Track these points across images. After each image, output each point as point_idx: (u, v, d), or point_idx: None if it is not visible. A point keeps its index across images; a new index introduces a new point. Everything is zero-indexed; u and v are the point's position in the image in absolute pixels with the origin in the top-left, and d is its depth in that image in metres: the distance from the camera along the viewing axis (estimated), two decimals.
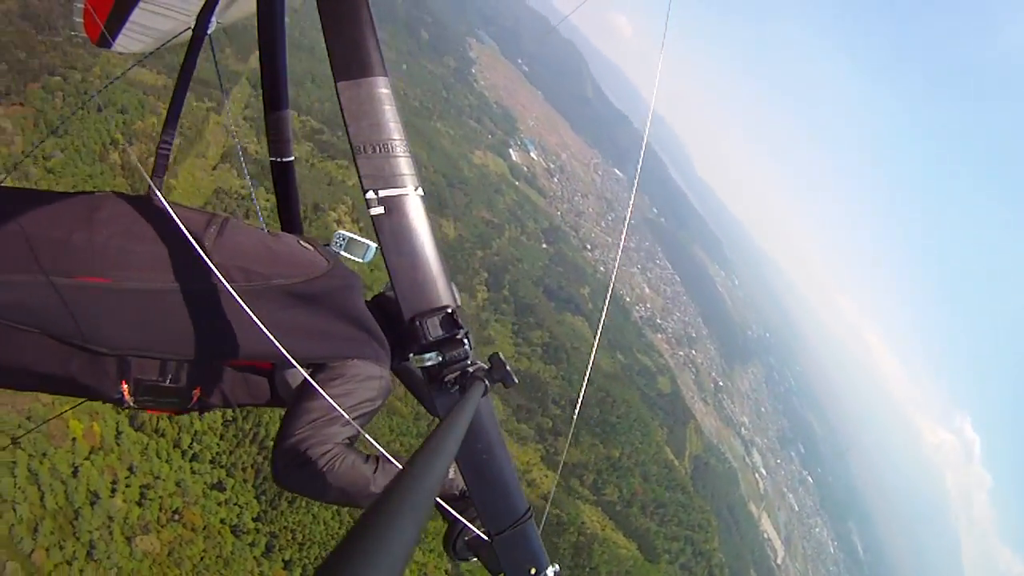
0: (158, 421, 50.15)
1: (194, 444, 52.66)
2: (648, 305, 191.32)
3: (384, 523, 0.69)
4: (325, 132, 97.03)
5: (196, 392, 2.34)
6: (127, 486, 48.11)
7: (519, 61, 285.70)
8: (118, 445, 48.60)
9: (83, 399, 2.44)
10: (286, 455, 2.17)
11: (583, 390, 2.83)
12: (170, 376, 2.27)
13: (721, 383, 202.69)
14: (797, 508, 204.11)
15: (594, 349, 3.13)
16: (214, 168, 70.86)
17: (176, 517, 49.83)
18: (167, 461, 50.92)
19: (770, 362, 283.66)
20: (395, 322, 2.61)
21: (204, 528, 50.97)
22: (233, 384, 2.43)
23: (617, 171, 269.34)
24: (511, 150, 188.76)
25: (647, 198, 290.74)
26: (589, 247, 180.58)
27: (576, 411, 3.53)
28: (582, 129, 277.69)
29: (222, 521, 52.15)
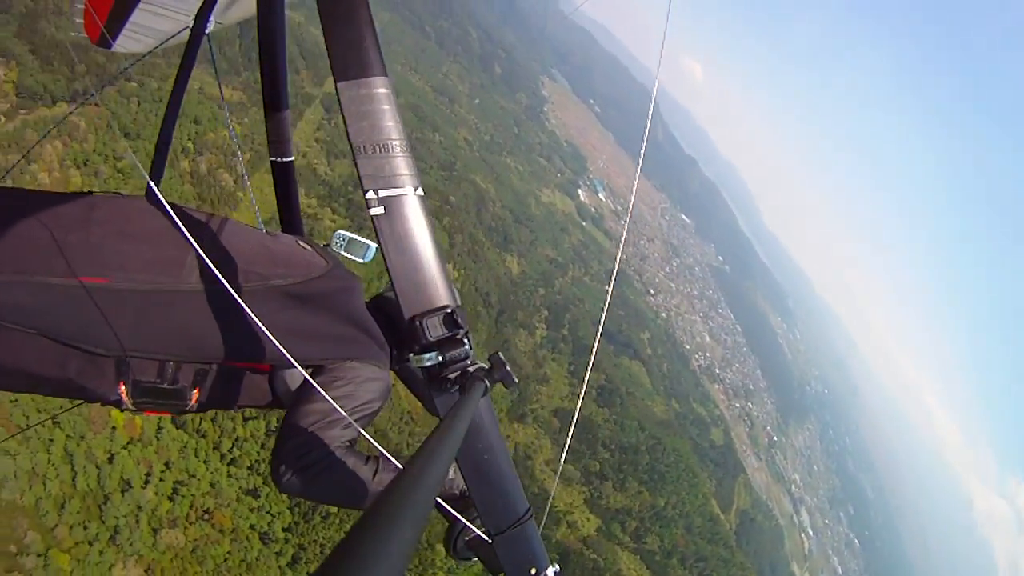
0: (200, 422, 51.13)
1: (234, 449, 53.59)
2: (708, 354, 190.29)
3: (384, 523, 0.69)
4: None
5: (195, 394, 2.33)
6: (161, 480, 49.17)
7: (591, 101, 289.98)
8: (157, 440, 49.67)
9: (80, 401, 2.42)
10: (286, 459, 2.16)
11: (582, 396, 2.77)
12: (168, 377, 2.27)
13: (775, 438, 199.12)
14: (841, 571, 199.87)
15: (595, 342, 2.99)
16: (302, 155, 73.30)
17: (206, 517, 50.67)
18: (204, 462, 51.90)
19: (826, 419, 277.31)
20: (395, 323, 2.63)
21: (232, 531, 51.73)
22: (232, 386, 2.42)
23: (684, 216, 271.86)
24: (579, 190, 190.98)
25: (713, 246, 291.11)
26: (652, 292, 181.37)
27: (575, 416, 3.41)
28: (651, 172, 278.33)
29: (252, 527, 52.82)
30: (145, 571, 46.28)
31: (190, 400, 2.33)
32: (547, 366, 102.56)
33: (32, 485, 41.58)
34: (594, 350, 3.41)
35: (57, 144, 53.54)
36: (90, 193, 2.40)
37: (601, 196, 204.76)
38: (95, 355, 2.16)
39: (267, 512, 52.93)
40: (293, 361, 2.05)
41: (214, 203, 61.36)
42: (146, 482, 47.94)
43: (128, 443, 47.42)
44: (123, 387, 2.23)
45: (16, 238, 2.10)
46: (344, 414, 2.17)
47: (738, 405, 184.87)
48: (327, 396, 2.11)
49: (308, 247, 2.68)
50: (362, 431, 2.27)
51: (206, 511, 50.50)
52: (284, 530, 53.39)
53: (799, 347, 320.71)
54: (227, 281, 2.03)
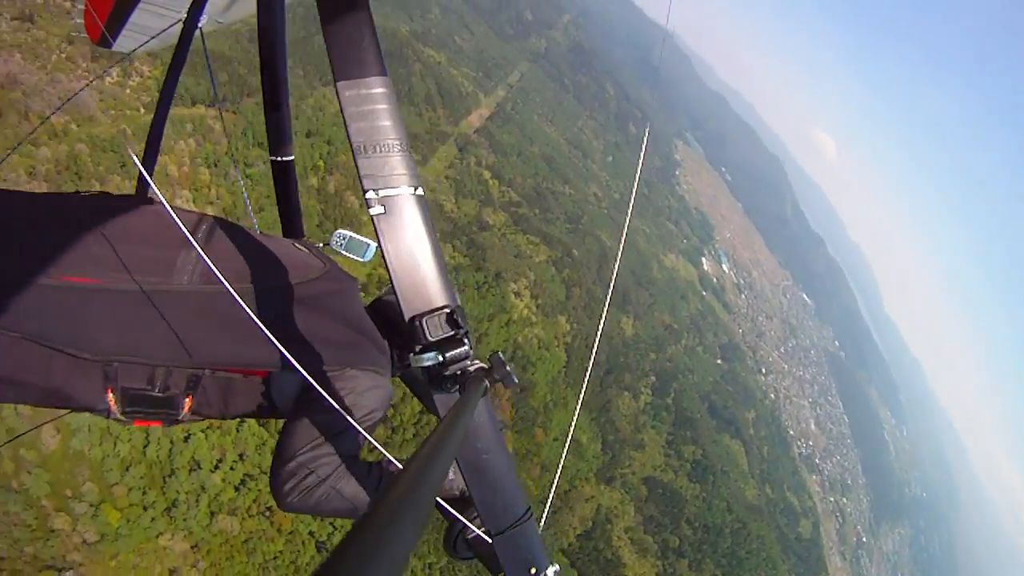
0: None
1: None
2: (811, 443, 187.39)
3: (384, 523, 0.69)
4: (523, 206, 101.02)
5: (187, 402, 2.22)
6: (231, 469, 50.59)
7: (723, 169, 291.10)
8: (237, 432, 51.16)
9: (66, 410, 2.29)
10: (288, 478, 2.11)
11: (575, 416, 2.78)
12: (159, 384, 2.16)
13: (864, 539, 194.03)
14: None
15: (590, 363, 2.99)
16: (431, 190, 76.87)
17: (267, 513, 51.79)
18: None
19: (920, 524, 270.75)
20: (395, 326, 2.59)
21: (290, 533, 52.81)
22: (227, 393, 2.30)
23: (806, 297, 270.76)
24: (704, 258, 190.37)
25: (831, 329, 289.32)
26: (764, 371, 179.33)
27: (570, 431, 3.41)
28: (777, 247, 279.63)
29: (311, 533, 53.82)
30: (192, 547, 47.59)
31: (182, 408, 2.23)
32: (645, 432, 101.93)
33: (103, 442, 43.30)
34: (588, 372, 3.41)
35: (191, 142, 56.44)
36: (77, 192, 2.36)
37: (725, 267, 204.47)
38: (82, 360, 2.06)
39: (330, 523, 53.27)
40: (297, 365, 1.96)
41: (337, 222, 62.72)
42: (216, 467, 49.47)
43: (207, 427, 48.61)
44: (111, 394, 2.13)
45: (3, 237, 2.03)
46: (354, 423, 2.10)
47: (832, 499, 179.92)
48: (334, 403, 2.01)
49: (304, 248, 2.61)
50: (369, 436, 2.21)
51: (268, 508, 51.48)
52: None
53: (904, 445, 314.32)
54: (220, 283, 1.97)
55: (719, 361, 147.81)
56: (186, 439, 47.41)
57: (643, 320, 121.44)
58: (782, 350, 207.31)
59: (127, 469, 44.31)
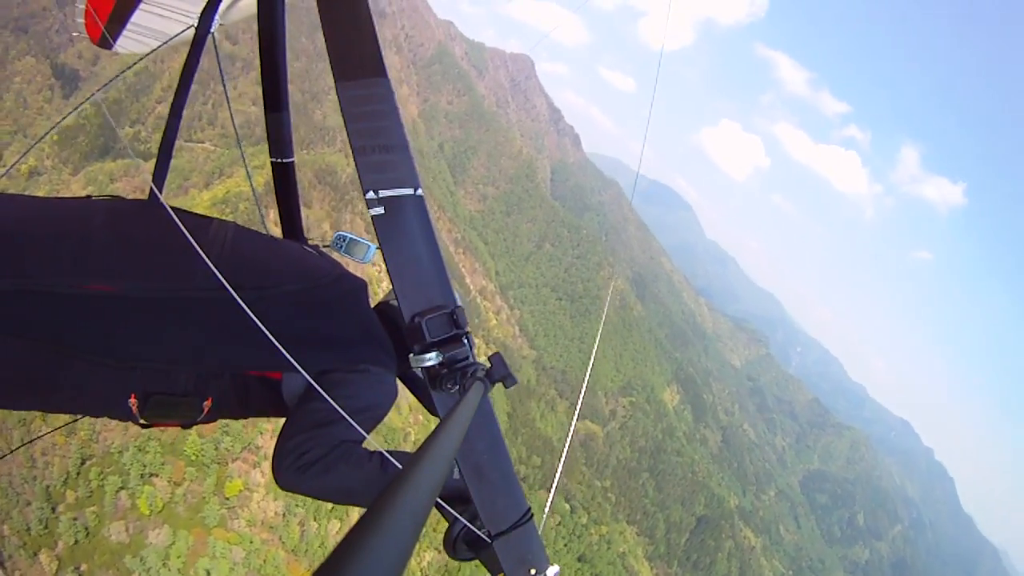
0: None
1: None
2: None
3: (384, 523, 0.69)
4: None
5: (206, 404, 2.28)
6: None
7: None
8: None
9: (84, 415, 2.36)
10: (288, 457, 2.13)
11: (574, 423, 2.78)
12: (180, 388, 2.21)
13: None
14: None
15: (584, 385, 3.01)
16: None
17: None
18: None
19: None
20: (398, 328, 2.57)
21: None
22: (243, 394, 2.38)
23: None
24: None
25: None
26: None
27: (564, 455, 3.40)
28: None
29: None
30: None
31: (202, 411, 2.29)
32: None
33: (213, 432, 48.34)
34: (582, 394, 3.42)
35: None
36: (89, 198, 2.37)
37: None
38: (103, 367, 2.09)
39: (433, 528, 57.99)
40: (299, 367, 2.01)
41: None
42: None
43: None
44: (133, 399, 2.16)
45: (17, 245, 2.04)
46: (351, 420, 2.12)
47: None
48: (334, 403, 2.07)
49: (315, 252, 2.66)
50: (367, 436, 2.22)
51: None
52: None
53: None
54: (236, 287, 2.01)
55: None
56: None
57: None
58: None
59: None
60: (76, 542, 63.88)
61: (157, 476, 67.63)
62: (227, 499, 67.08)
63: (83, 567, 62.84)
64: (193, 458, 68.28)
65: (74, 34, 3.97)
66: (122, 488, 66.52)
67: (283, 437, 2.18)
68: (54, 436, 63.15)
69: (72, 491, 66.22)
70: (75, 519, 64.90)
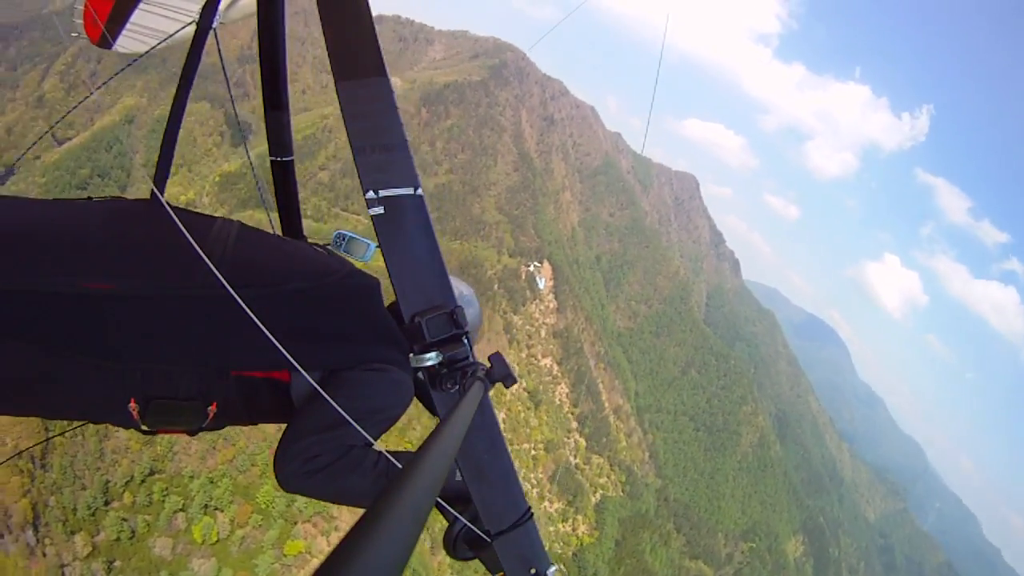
0: None
1: None
2: None
3: (384, 523, 0.69)
4: None
5: (212, 409, 2.17)
6: None
7: None
8: None
9: (85, 421, 2.27)
10: (295, 460, 2.05)
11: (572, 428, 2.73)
12: (183, 391, 2.11)
13: None
14: None
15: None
16: None
17: None
18: None
19: None
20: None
21: None
22: (250, 398, 2.26)
23: None
24: None
25: None
26: None
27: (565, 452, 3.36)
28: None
29: None
30: None
31: (207, 416, 2.19)
32: None
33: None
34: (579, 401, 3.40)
35: None
36: (89, 199, 2.33)
37: None
38: (103, 369, 2.02)
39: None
40: (300, 368, 1.95)
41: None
42: None
43: None
44: (134, 404, 2.08)
45: (16, 245, 1.99)
46: (354, 424, 2.05)
47: None
48: (339, 408, 2.00)
49: (323, 250, 2.60)
50: (373, 442, 2.16)
51: None
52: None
53: None
54: (240, 286, 1.95)
55: None
56: None
57: None
58: None
59: None
60: (118, 539, 65.05)
61: (221, 512, 68.19)
62: (284, 555, 66.90)
63: (117, 563, 63.81)
64: (263, 506, 68.50)
65: (73, 34, 3.92)
66: (181, 510, 67.46)
67: (290, 436, 2.10)
68: (128, 440, 65.07)
69: (131, 495, 67.51)
70: (124, 520, 66.13)
